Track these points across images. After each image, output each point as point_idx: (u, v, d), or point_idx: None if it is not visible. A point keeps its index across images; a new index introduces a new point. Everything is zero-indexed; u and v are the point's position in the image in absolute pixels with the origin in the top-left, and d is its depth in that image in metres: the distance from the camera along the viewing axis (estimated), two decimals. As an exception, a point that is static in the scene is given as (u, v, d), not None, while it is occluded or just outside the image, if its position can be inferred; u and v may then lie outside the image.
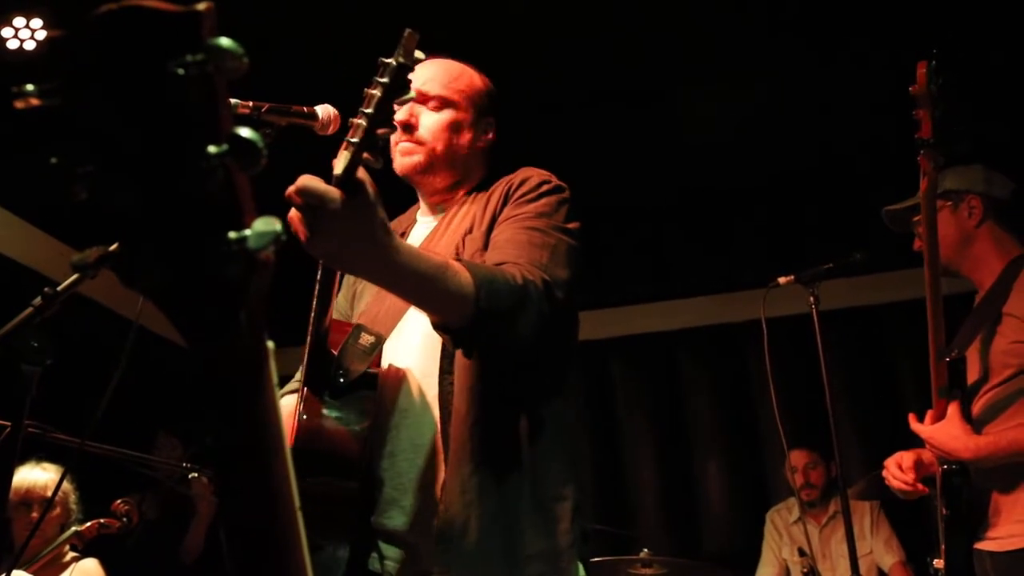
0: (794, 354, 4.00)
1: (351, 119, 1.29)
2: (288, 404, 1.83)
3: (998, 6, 3.69)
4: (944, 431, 2.25)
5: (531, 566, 1.57)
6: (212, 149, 0.53)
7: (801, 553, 3.91)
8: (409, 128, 1.83)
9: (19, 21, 3.24)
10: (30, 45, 3.30)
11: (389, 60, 1.27)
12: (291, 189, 1.21)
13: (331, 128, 1.83)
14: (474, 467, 1.57)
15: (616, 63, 3.99)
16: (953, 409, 2.26)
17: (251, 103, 1.68)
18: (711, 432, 5.10)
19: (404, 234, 1.92)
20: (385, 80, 1.26)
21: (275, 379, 0.61)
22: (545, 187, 1.76)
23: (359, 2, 3.54)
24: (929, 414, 2.31)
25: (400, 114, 1.83)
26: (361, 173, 1.23)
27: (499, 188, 1.80)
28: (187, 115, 0.54)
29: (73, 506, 3.23)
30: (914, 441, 2.37)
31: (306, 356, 1.64)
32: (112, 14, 0.53)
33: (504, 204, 1.75)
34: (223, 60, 0.54)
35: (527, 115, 2.02)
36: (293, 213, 1.24)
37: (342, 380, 1.60)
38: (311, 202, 1.20)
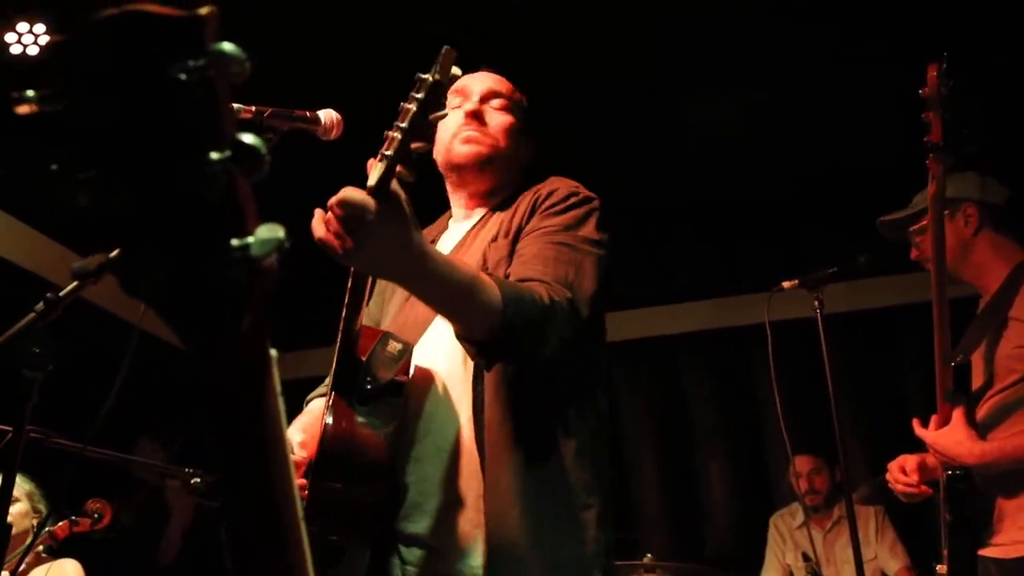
0: (798, 358, 3.98)
1: (386, 131, 1.31)
2: (318, 407, 1.84)
3: (1002, 8, 3.69)
4: (949, 436, 2.24)
5: (560, 572, 1.57)
6: (214, 155, 0.53)
7: (806, 558, 3.90)
8: (479, 117, 1.86)
9: (22, 26, 3.25)
10: (33, 50, 3.31)
11: (426, 76, 1.30)
12: (333, 200, 1.24)
13: (333, 133, 1.83)
14: (511, 475, 1.58)
15: (620, 63, 3.98)
16: (958, 414, 2.24)
17: (253, 108, 1.68)
18: (714, 437, 5.08)
19: (435, 241, 1.93)
20: (421, 96, 1.28)
21: (278, 387, 0.60)
22: (573, 199, 1.75)
23: (362, 5, 3.54)
24: (934, 419, 2.30)
25: (470, 104, 1.87)
26: (394, 185, 1.25)
27: (527, 197, 1.81)
28: (189, 121, 0.53)
29: (38, 505, 3.18)
30: (919, 445, 2.36)
31: (335, 361, 1.65)
32: (113, 18, 0.53)
33: (531, 214, 1.75)
34: (226, 65, 0.53)
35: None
36: (323, 231, 1.26)
37: (369, 387, 1.61)
38: (354, 213, 1.22)
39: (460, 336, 1.51)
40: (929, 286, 2.24)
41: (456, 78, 1.33)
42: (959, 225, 2.50)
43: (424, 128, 1.29)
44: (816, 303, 2.91)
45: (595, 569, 1.61)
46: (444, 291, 1.41)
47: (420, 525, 1.62)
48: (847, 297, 4.40)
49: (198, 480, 2.37)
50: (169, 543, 4.27)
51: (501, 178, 1.89)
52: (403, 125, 1.28)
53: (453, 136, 1.86)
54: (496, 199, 1.90)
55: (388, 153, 1.26)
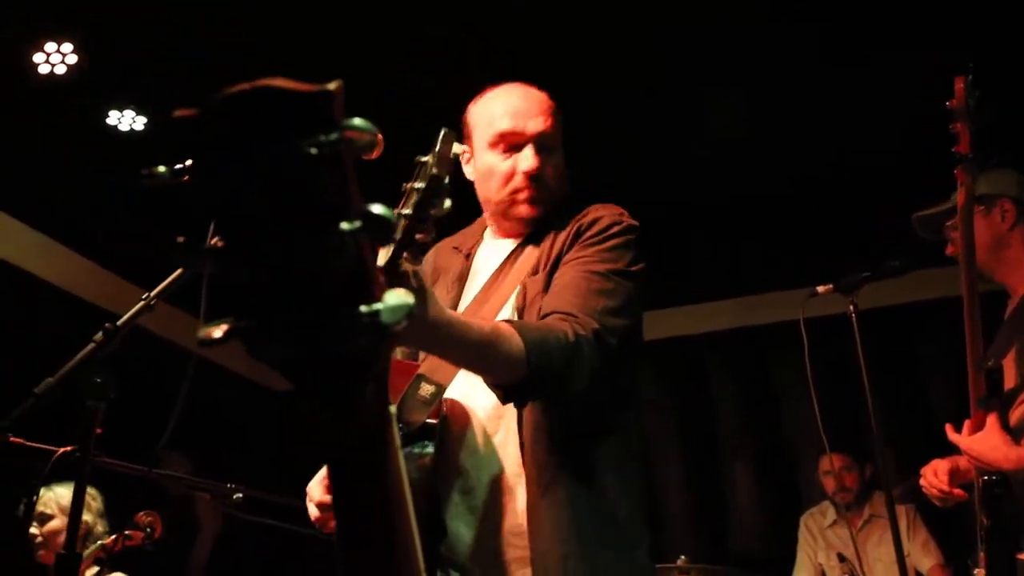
0: (824, 356, 3.97)
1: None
2: None
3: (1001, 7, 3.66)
4: (984, 442, 2.23)
5: None
6: (344, 226, 0.54)
7: (841, 558, 3.90)
8: (539, 179, 1.79)
9: (50, 46, 3.27)
10: (61, 70, 3.33)
11: (425, 160, 1.27)
12: None
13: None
14: (555, 511, 1.59)
15: (636, 61, 3.96)
16: (992, 419, 2.24)
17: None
18: (740, 436, 5.08)
19: (470, 255, 1.92)
20: (422, 186, 1.26)
21: (399, 444, 0.61)
22: (614, 228, 1.75)
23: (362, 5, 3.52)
24: (967, 424, 2.29)
25: (528, 161, 1.77)
26: (404, 266, 1.24)
27: (569, 227, 1.79)
28: (319, 194, 0.54)
29: (86, 517, 3.21)
30: (947, 442, 2.36)
31: None
32: (244, 94, 0.54)
33: (572, 244, 1.75)
34: (355, 139, 0.54)
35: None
36: None
37: (401, 432, 1.61)
38: None
39: (488, 384, 1.54)
40: (957, 281, 2.25)
41: (456, 159, 1.31)
42: (995, 220, 2.51)
43: (427, 219, 1.27)
44: (851, 307, 2.92)
45: None
46: (463, 353, 1.44)
47: (467, 559, 1.64)
48: (874, 294, 4.37)
49: (240, 495, 2.39)
50: (198, 556, 4.29)
51: (551, 210, 1.85)
52: (407, 213, 1.25)
53: (512, 192, 1.81)
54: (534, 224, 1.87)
55: (395, 237, 1.23)
